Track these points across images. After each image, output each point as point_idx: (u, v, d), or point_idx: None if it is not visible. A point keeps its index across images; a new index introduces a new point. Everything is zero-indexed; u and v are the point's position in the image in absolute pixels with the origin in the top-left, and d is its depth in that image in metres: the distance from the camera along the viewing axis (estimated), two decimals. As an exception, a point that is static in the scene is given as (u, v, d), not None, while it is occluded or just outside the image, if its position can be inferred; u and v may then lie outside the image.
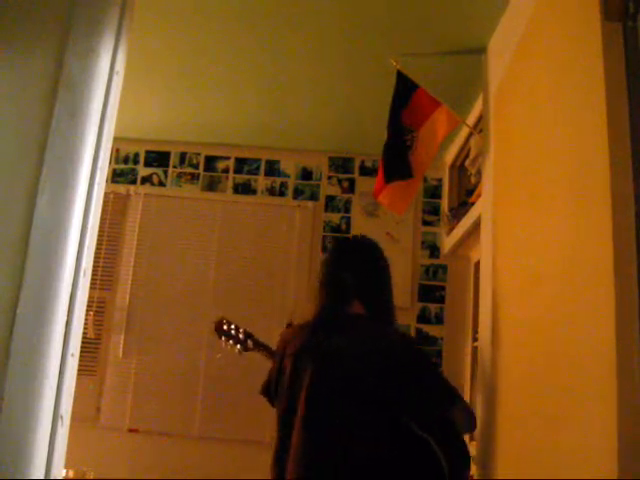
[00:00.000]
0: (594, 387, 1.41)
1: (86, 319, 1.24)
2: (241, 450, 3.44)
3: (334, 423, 1.75)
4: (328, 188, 3.97)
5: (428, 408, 1.84)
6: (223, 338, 2.35)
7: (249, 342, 2.31)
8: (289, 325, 2.28)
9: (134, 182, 4.01)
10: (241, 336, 2.33)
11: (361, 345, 1.84)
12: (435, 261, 3.83)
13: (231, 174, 4.02)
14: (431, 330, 3.73)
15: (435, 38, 2.69)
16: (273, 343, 2.21)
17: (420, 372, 1.85)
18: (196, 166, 4.03)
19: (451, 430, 1.86)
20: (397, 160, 2.74)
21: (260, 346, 2.34)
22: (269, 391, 2.00)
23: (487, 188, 2.59)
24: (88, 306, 1.23)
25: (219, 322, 2.37)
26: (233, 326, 2.35)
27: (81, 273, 1.16)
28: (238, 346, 2.33)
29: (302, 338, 1.92)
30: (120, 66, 1.32)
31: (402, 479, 1.74)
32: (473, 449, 2.83)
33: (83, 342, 1.24)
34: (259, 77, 3.14)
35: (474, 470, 2.48)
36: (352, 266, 1.99)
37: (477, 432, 2.48)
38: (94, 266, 1.26)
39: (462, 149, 3.53)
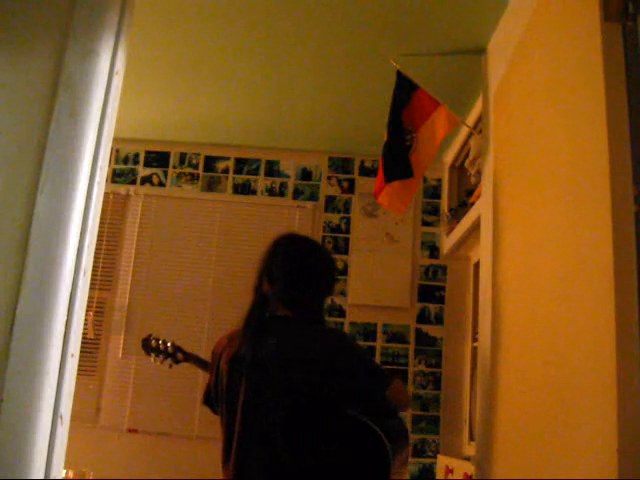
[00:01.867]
0: (594, 387, 1.41)
1: (86, 319, 1.24)
2: (241, 450, 3.43)
3: (270, 427, 1.79)
4: (328, 188, 3.97)
5: (364, 393, 1.89)
6: (152, 355, 2.41)
7: (178, 355, 2.37)
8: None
9: (134, 182, 4.01)
10: (169, 350, 2.39)
11: (290, 345, 1.87)
12: (435, 261, 3.83)
13: (231, 174, 4.02)
14: (431, 330, 3.73)
15: (435, 38, 2.69)
16: None
17: (350, 361, 1.88)
18: (196, 166, 4.03)
19: (388, 410, 1.92)
20: (397, 160, 2.74)
21: (190, 357, 2.42)
22: (209, 400, 2.03)
23: (487, 188, 2.59)
24: (88, 306, 1.23)
25: (146, 339, 2.43)
26: (161, 341, 2.41)
27: (81, 273, 1.16)
28: (168, 359, 2.40)
29: (233, 346, 1.95)
30: (120, 66, 1.32)
31: (352, 465, 1.80)
32: (472, 449, 2.83)
33: (83, 342, 1.24)
34: (259, 77, 3.14)
35: (473, 470, 2.48)
36: (273, 269, 1.97)
37: (476, 432, 2.48)
38: (94, 266, 1.26)
39: (462, 149, 3.53)
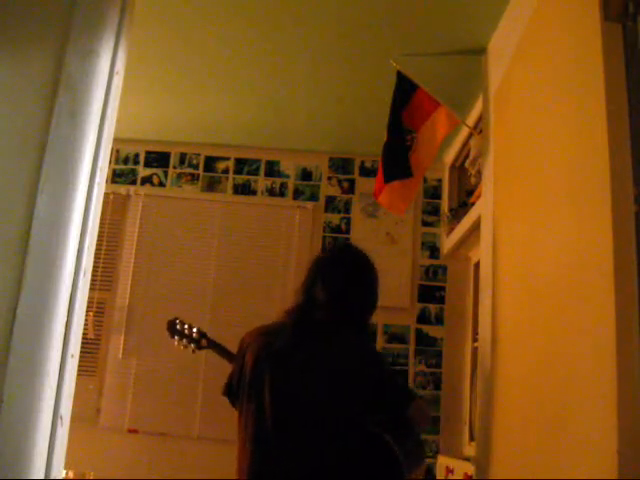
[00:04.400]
0: (594, 387, 1.41)
1: (86, 319, 1.24)
2: (241, 451, 3.44)
3: (300, 426, 1.80)
4: (328, 189, 3.97)
5: (387, 407, 1.91)
6: (176, 337, 2.38)
7: (203, 341, 2.35)
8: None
9: (134, 183, 4.01)
10: (195, 335, 2.36)
11: (326, 352, 1.88)
12: (435, 262, 3.83)
13: (231, 174, 4.01)
14: (431, 330, 3.73)
15: (435, 38, 2.69)
16: None
17: (379, 376, 1.91)
18: (196, 167, 4.03)
19: (407, 426, 1.93)
20: (396, 160, 2.74)
21: (215, 345, 2.38)
22: (230, 392, 2.02)
23: (487, 189, 2.59)
24: (88, 306, 1.23)
25: (171, 321, 2.40)
26: (187, 325, 2.38)
27: (81, 273, 1.16)
28: (192, 345, 2.37)
29: (263, 341, 1.95)
30: (120, 66, 1.32)
31: (364, 473, 1.81)
32: (472, 449, 2.83)
33: (83, 342, 1.23)
34: (259, 77, 3.14)
35: (473, 470, 2.48)
36: (331, 275, 2.00)
37: (476, 432, 2.48)
38: (94, 266, 1.26)
39: (462, 149, 3.53)
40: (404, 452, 1.85)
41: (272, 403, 1.82)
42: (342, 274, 2.02)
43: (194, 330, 2.38)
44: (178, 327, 2.39)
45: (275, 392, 1.83)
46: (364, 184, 3.92)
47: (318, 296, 1.96)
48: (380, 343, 3.70)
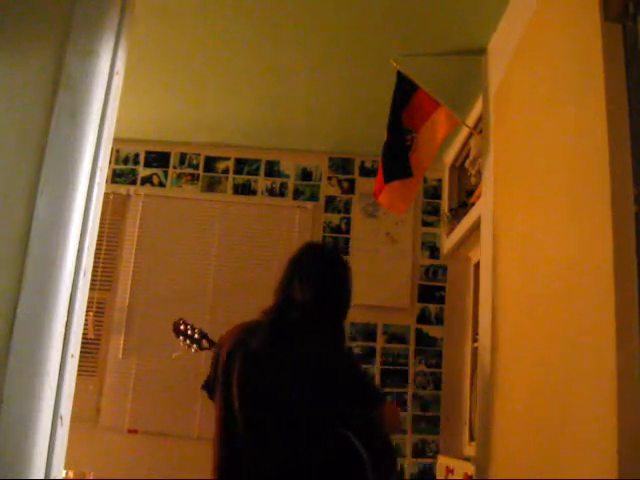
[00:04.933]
0: (594, 387, 1.41)
1: (86, 319, 1.24)
2: (241, 451, 3.43)
3: (271, 425, 1.82)
4: (328, 189, 3.97)
5: (356, 409, 1.90)
6: (181, 338, 2.46)
7: (204, 341, 2.41)
8: None
9: (134, 183, 4.01)
10: (196, 336, 2.43)
11: (295, 353, 1.89)
12: (435, 262, 3.83)
13: (231, 175, 4.01)
14: (431, 331, 3.73)
15: (435, 38, 2.69)
16: None
17: (348, 376, 1.92)
18: (196, 167, 4.03)
19: (374, 427, 1.92)
20: (396, 160, 2.74)
21: (215, 346, 2.42)
22: (207, 386, 2.07)
23: (487, 189, 2.59)
24: (88, 306, 1.23)
25: (176, 323, 2.48)
26: (189, 326, 2.46)
27: (81, 273, 1.16)
28: (194, 345, 2.43)
29: (239, 339, 1.99)
30: (120, 66, 1.31)
31: (330, 474, 1.81)
32: (472, 449, 2.83)
33: (83, 342, 1.23)
34: (259, 78, 3.14)
35: (473, 470, 2.48)
36: (307, 275, 2.01)
37: (477, 432, 2.48)
38: (94, 266, 1.26)
39: (462, 150, 3.53)
40: (370, 454, 1.84)
41: (243, 402, 1.84)
42: (319, 274, 2.02)
43: (196, 330, 2.44)
44: (182, 327, 2.46)
45: (247, 391, 1.86)
46: (364, 184, 3.92)
47: (295, 296, 1.97)
48: (380, 343, 3.70)
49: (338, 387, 1.86)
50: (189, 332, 2.43)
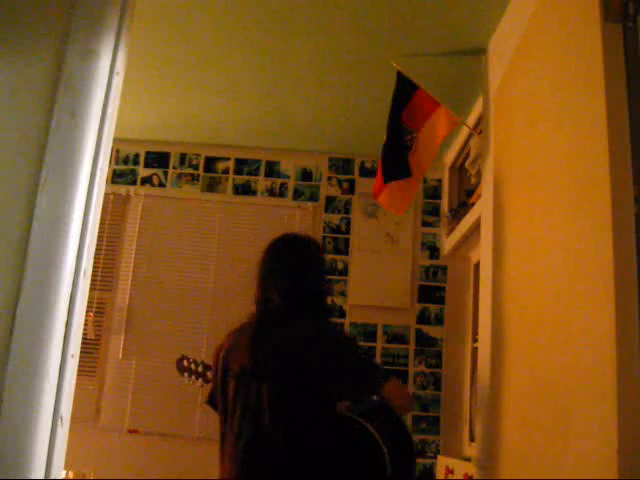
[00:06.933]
0: (594, 387, 1.41)
1: (86, 320, 1.24)
2: (241, 451, 3.43)
3: (274, 416, 1.80)
4: (328, 189, 3.97)
5: (357, 388, 1.90)
6: (185, 375, 2.44)
7: (208, 374, 2.38)
8: None
9: (134, 183, 4.01)
10: (200, 369, 2.42)
11: (288, 340, 1.90)
12: (435, 262, 3.83)
13: (231, 175, 4.01)
14: (431, 331, 3.73)
15: (435, 38, 2.69)
16: None
17: (344, 357, 1.90)
18: (196, 167, 4.03)
19: (389, 414, 1.91)
20: (396, 161, 2.74)
21: None
22: (212, 399, 2.07)
23: (487, 189, 2.59)
24: (88, 307, 1.23)
25: (179, 360, 2.46)
26: (192, 361, 2.44)
27: (81, 273, 1.16)
28: (199, 380, 2.42)
29: (231, 341, 2.01)
30: (120, 66, 1.31)
31: (342, 465, 1.79)
32: (474, 450, 2.83)
33: (83, 343, 1.23)
34: (259, 78, 3.14)
35: (474, 471, 2.48)
36: (280, 268, 2.01)
37: (477, 433, 2.48)
38: (94, 266, 1.26)
39: (462, 150, 3.53)
40: (388, 442, 1.82)
41: (246, 393, 1.85)
42: (286, 272, 2.00)
43: (199, 365, 2.43)
44: (185, 364, 2.44)
45: (248, 382, 1.86)
46: (364, 184, 3.92)
47: (271, 295, 1.98)
48: (380, 343, 3.70)
49: (337, 366, 1.84)
50: (192, 367, 2.42)
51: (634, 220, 1.36)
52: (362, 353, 2.05)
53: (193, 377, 2.41)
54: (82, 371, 1.32)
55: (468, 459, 2.87)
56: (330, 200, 3.95)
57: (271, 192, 3.98)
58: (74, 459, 2.47)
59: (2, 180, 1.15)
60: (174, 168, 4.03)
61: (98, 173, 1.22)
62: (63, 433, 1.12)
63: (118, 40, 1.29)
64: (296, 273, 2.00)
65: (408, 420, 3.54)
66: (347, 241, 3.85)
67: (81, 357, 1.20)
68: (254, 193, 3.98)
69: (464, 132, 3.36)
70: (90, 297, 1.24)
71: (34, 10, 1.24)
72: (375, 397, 1.92)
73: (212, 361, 2.10)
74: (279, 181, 4.00)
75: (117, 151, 4.04)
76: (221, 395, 1.97)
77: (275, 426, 1.79)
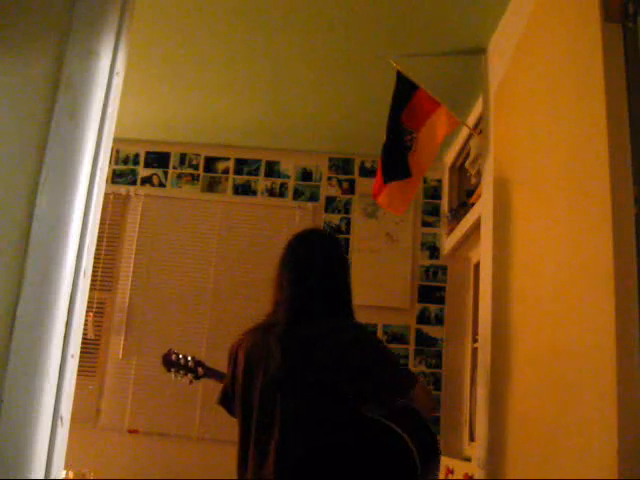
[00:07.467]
0: (594, 387, 1.41)
1: (86, 320, 1.24)
2: (241, 451, 3.43)
3: (301, 415, 1.76)
4: (328, 189, 3.97)
5: (388, 392, 1.87)
6: (172, 370, 2.32)
7: (199, 369, 2.30)
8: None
9: (134, 183, 4.01)
10: (190, 364, 2.31)
11: (318, 339, 1.85)
12: (435, 262, 3.83)
13: (231, 175, 4.02)
14: (431, 331, 3.73)
15: (435, 38, 2.69)
16: None
17: (376, 360, 1.87)
18: (196, 167, 4.03)
19: (414, 415, 1.88)
20: (396, 161, 2.74)
21: (211, 372, 2.32)
22: (226, 400, 1.99)
23: (487, 189, 2.59)
24: (88, 307, 1.23)
25: (166, 354, 2.34)
26: (181, 356, 2.33)
27: (81, 273, 1.16)
28: (190, 375, 2.32)
29: (250, 339, 1.93)
30: (120, 67, 1.31)
31: (373, 467, 1.76)
32: (474, 450, 2.83)
33: (83, 343, 1.23)
34: (259, 78, 3.14)
35: (475, 471, 2.48)
36: (307, 265, 1.97)
37: (477, 433, 2.48)
38: (94, 267, 1.26)
39: (462, 150, 3.53)
40: (417, 443, 1.77)
41: (274, 394, 1.79)
42: (316, 270, 1.96)
43: (189, 359, 2.32)
44: (173, 358, 2.32)
45: (277, 382, 1.80)
46: (364, 184, 3.92)
47: (300, 294, 1.92)
48: (380, 343, 3.70)
49: (366, 367, 1.81)
50: (182, 362, 2.31)
51: (634, 220, 1.36)
52: (392, 354, 2.03)
53: (182, 372, 2.31)
54: (82, 371, 1.32)
55: (468, 459, 2.88)
56: (330, 200, 3.95)
57: (271, 192, 3.98)
58: (74, 459, 2.47)
59: (2, 180, 1.15)
60: (174, 168, 4.04)
61: (98, 173, 1.22)
62: (63, 433, 1.12)
63: (118, 40, 1.29)
64: (327, 271, 1.96)
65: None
66: (347, 241, 3.85)
67: (81, 357, 1.20)
68: (254, 193, 3.98)
69: (464, 132, 3.36)
70: (90, 297, 1.24)
71: (34, 10, 1.24)
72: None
73: (227, 360, 2.00)
74: (279, 181, 4.00)
75: (117, 151, 4.04)
76: (241, 398, 1.88)
77: (313, 432, 1.75)
